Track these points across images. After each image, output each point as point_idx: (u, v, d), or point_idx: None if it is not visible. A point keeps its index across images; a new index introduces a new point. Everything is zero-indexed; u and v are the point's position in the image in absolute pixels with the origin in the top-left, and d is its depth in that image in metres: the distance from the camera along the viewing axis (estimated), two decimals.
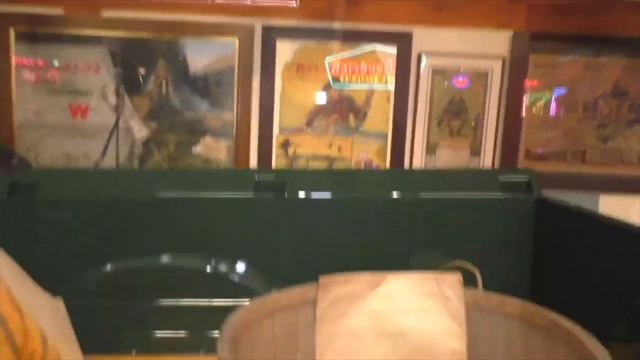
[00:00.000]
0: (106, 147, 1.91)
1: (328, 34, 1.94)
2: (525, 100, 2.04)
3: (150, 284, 0.91)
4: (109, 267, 0.92)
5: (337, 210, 0.93)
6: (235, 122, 1.93)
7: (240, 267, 0.94)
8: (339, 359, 0.63)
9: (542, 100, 2.05)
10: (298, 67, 1.95)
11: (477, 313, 0.62)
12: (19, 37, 1.87)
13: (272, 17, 1.92)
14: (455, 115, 2.00)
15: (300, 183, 0.96)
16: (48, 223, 0.93)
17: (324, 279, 0.60)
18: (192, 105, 1.93)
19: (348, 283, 0.63)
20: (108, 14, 1.88)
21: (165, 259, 0.93)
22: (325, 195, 0.93)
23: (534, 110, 2.05)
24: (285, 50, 1.94)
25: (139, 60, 1.91)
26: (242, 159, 1.94)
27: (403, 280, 0.64)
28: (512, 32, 1.98)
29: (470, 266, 0.61)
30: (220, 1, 1.90)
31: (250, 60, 1.93)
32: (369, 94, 1.97)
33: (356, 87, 1.97)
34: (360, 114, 1.98)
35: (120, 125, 1.92)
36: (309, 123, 1.97)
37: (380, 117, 1.98)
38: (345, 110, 1.97)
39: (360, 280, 0.63)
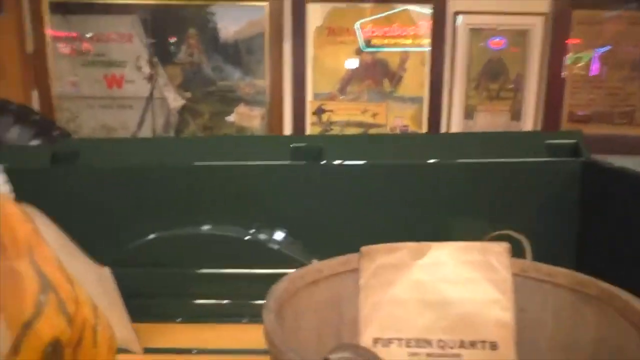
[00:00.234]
0: (142, 118, 1.93)
1: None
2: (566, 59, 1.95)
3: (190, 252, 0.92)
4: (150, 235, 0.93)
5: (376, 177, 0.91)
6: (268, 90, 1.92)
7: (279, 235, 0.94)
8: (383, 328, 0.62)
9: (584, 59, 1.95)
10: (329, 31, 1.91)
11: (525, 283, 0.60)
12: (53, 8, 1.88)
13: None
14: (494, 77, 1.93)
15: (337, 149, 0.94)
16: (89, 191, 0.95)
17: (366, 249, 0.59)
18: (225, 73, 1.92)
19: (391, 253, 0.61)
20: None
21: (204, 227, 0.94)
22: (364, 161, 0.91)
23: (575, 69, 1.95)
24: (316, 14, 1.90)
25: (170, 29, 1.90)
26: (275, 127, 1.93)
27: (447, 250, 0.62)
28: None
29: (518, 236, 0.59)
30: None
31: (281, 25, 1.89)
32: (404, 57, 1.92)
33: (389, 50, 1.92)
34: (395, 79, 1.93)
35: (155, 95, 1.93)
36: (342, 89, 1.94)
37: (416, 81, 1.93)
38: (379, 75, 1.93)
39: (403, 249, 0.61)
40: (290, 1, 1.89)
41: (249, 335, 0.86)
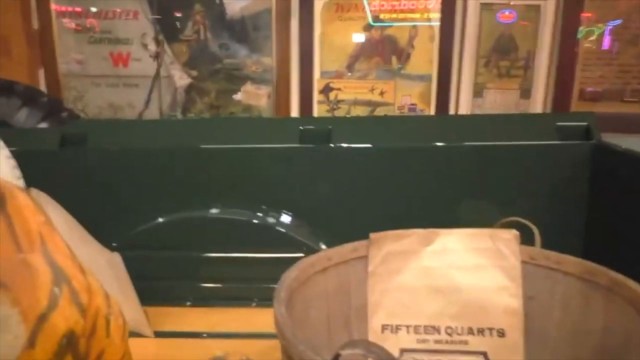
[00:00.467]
0: (149, 97, 1.92)
1: None
2: (578, 34, 1.91)
3: (199, 235, 0.92)
4: (158, 218, 0.94)
5: (384, 160, 0.91)
6: (274, 68, 1.90)
7: (287, 218, 0.94)
8: (392, 315, 0.62)
9: (595, 34, 1.91)
10: (337, 7, 1.88)
11: (534, 271, 0.60)
12: None
13: None
14: (504, 54, 1.90)
15: (345, 132, 0.93)
16: (98, 174, 0.95)
17: (375, 236, 0.59)
18: (231, 51, 1.90)
19: (400, 239, 0.61)
20: None
21: (212, 210, 0.94)
22: (372, 144, 0.90)
23: (586, 43, 1.91)
24: None
25: (176, 5, 1.87)
26: (282, 106, 1.92)
27: (456, 237, 0.62)
28: None
29: (528, 223, 0.59)
30: None
31: (288, 1, 1.86)
32: (412, 34, 1.89)
33: (398, 25, 1.88)
34: (403, 56, 1.90)
35: (162, 73, 1.91)
36: (350, 67, 1.91)
37: (424, 58, 1.90)
38: (387, 52, 1.90)
39: (412, 236, 0.61)
40: None
41: (258, 319, 0.87)
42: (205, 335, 0.81)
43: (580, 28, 1.89)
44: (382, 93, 1.92)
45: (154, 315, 0.82)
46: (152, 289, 0.83)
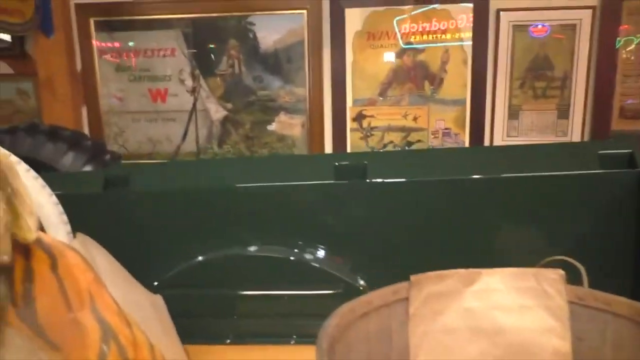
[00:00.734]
0: (186, 130, 1.97)
1: None
2: (615, 46, 1.86)
3: (237, 273, 0.93)
4: (198, 256, 0.95)
5: (420, 194, 0.90)
6: (308, 97, 1.92)
7: (324, 254, 0.94)
8: (434, 357, 0.61)
9: (634, 43, 1.86)
10: (369, 36, 1.89)
11: (582, 311, 0.58)
12: (99, 26, 1.95)
13: None
14: (540, 74, 1.87)
15: (380, 166, 0.93)
16: (139, 215, 0.98)
17: (415, 277, 0.58)
18: (265, 82, 1.94)
19: (441, 280, 0.60)
20: None
21: (250, 248, 0.95)
22: (407, 178, 0.89)
23: (625, 53, 1.86)
24: (354, 19, 1.89)
25: (211, 41, 1.93)
26: (316, 135, 1.94)
27: (499, 276, 0.60)
28: None
29: (574, 262, 0.57)
30: None
31: (320, 32, 1.90)
32: (444, 58, 1.88)
33: (430, 47, 1.88)
34: (436, 80, 1.90)
35: (198, 107, 1.97)
36: (382, 93, 1.92)
37: (457, 82, 1.89)
38: (419, 78, 1.90)
39: (453, 277, 0.60)
40: (329, 7, 1.88)
41: (297, 357, 0.86)
42: None
43: (618, 38, 1.85)
44: (415, 118, 1.91)
45: (195, 354, 0.83)
46: (192, 327, 0.84)
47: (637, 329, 0.55)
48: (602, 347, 0.58)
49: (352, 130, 1.93)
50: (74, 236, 0.79)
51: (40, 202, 0.73)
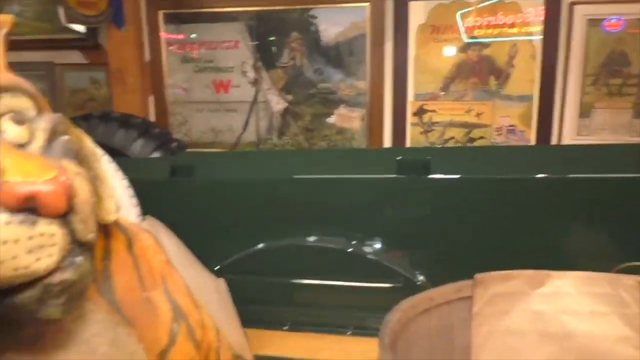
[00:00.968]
0: (247, 121, 2.01)
1: None
2: None
3: (296, 262, 0.94)
4: (258, 244, 0.97)
5: (482, 192, 0.87)
6: (368, 91, 1.91)
7: (382, 247, 0.93)
8: (497, 358, 0.59)
9: None
10: (432, 29, 1.85)
11: None
12: (167, 18, 2.01)
13: None
14: (615, 71, 1.77)
15: (441, 162, 0.91)
16: (203, 202, 1.00)
17: (480, 276, 0.57)
18: (326, 75, 1.94)
19: (507, 281, 0.59)
20: None
21: (310, 238, 0.96)
22: (469, 175, 0.87)
23: None
24: (418, 11, 1.85)
25: (274, 34, 1.95)
26: (375, 128, 1.92)
27: (570, 280, 0.58)
28: None
29: None
30: None
31: (383, 25, 1.87)
32: (512, 53, 1.82)
33: (495, 41, 1.81)
34: (502, 75, 1.83)
35: (259, 99, 2.00)
36: (445, 88, 1.88)
37: (525, 77, 1.82)
38: (484, 72, 1.84)
39: (520, 277, 0.58)
40: (392, 0, 1.86)
41: (353, 348, 0.86)
42: None
43: None
44: (478, 114, 1.86)
45: (253, 338, 0.85)
46: (251, 312, 0.86)
47: None
48: None
49: (412, 124, 1.90)
50: (143, 219, 0.82)
51: (114, 185, 0.76)
